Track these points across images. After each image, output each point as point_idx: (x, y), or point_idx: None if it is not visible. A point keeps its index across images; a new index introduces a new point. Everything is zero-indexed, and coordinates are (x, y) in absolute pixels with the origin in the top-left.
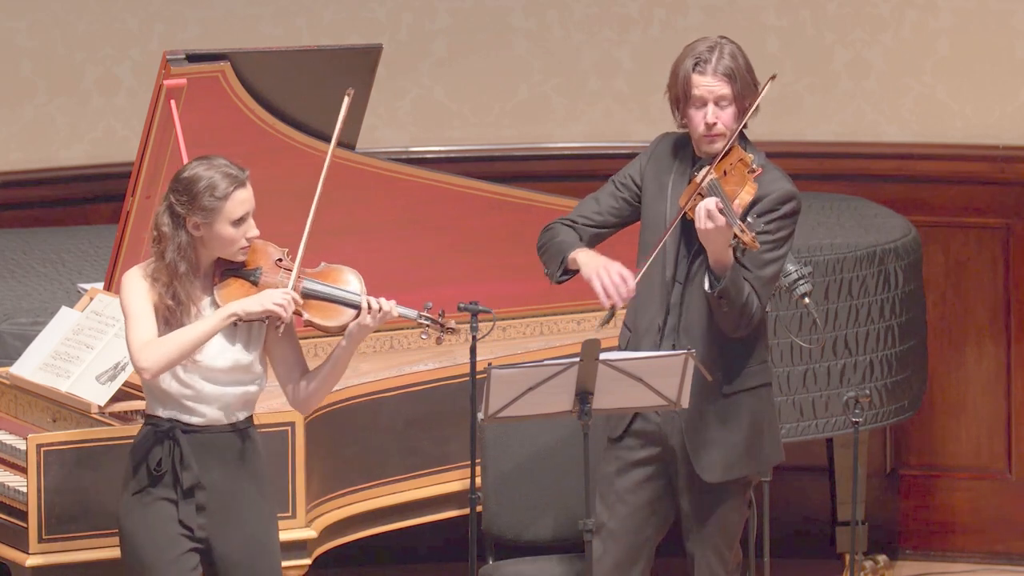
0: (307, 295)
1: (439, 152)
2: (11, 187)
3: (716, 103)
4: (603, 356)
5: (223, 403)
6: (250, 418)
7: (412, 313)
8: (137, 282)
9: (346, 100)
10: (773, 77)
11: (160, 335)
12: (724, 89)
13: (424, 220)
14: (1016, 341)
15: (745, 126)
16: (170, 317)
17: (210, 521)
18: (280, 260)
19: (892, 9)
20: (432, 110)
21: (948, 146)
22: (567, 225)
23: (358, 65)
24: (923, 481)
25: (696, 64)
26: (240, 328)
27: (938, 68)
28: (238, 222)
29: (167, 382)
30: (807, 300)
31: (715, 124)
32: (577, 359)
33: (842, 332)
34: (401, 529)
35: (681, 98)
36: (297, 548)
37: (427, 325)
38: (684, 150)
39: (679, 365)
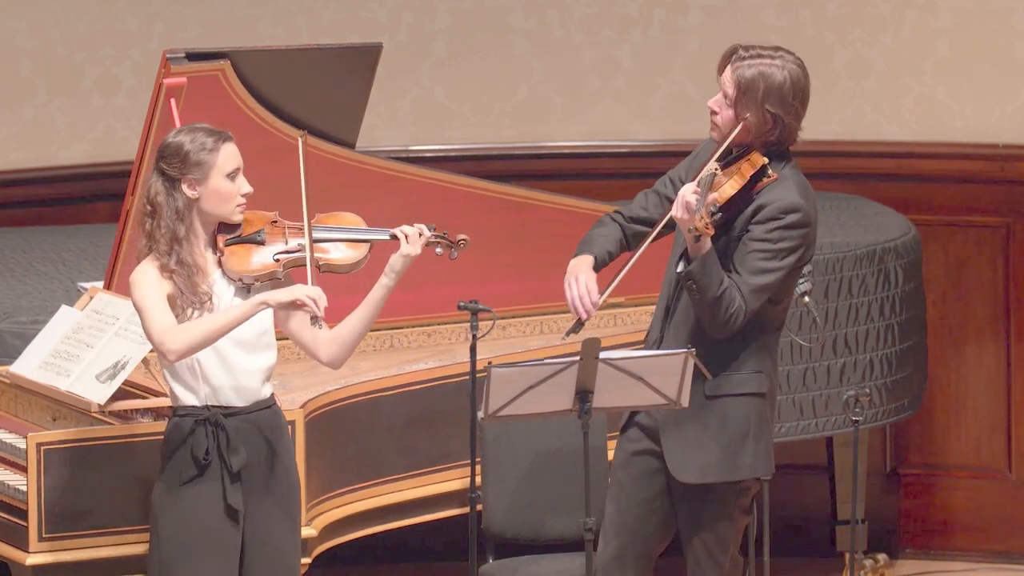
0: (319, 241)
1: (439, 152)
2: (11, 187)
3: (723, 95)
4: (603, 355)
5: (253, 378)
6: (273, 394)
7: (427, 233)
8: (146, 274)
9: (300, 142)
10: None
11: (176, 312)
12: (729, 88)
13: (424, 219)
14: (1016, 341)
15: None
16: (182, 285)
17: (249, 499)
18: (276, 222)
19: (892, 9)
20: (432, 110)
21: (948, 145)
22: (612, 219)
23: (358, 64)
24: (923, 480)
25: (734, 57)
26: (244, 292)
27: (938, 68)
28: (231, 175)
29: (209, 366)
30: (807, 299)
31: (715, 113)
32: (577, 358)
33: (842, 331)
34: (401, 528)
35: None
36: None
37: (437, 242)
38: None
39: (679, 364)
